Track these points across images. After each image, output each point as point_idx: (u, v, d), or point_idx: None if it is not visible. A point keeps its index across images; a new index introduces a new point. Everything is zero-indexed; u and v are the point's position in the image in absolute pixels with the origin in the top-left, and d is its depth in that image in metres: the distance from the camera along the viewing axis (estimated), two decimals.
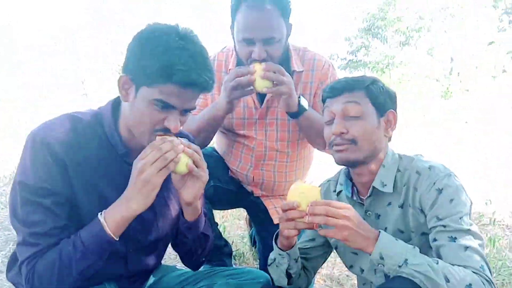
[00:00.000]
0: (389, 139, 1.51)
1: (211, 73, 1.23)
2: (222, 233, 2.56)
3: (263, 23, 1.82)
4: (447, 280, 1.18)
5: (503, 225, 3.51)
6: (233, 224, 3.30)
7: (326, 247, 1.70)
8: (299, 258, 1.57)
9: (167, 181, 1.30)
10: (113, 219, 1.22)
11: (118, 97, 1.34)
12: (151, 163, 1.18)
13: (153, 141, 1.22)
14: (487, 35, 17.74)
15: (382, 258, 1.26)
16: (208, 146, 2.16)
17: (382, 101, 1.46)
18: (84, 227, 1.23)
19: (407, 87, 15.21)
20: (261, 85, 1.78)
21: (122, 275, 1.40)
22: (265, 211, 2.21)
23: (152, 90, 1.20)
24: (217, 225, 2.40)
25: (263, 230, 2.29)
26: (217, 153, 2.29)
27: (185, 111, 1.28)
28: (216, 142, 2.34)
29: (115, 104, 1.35)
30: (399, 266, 1.24)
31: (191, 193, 1.32)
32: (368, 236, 1.28)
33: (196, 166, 1.27)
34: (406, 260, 1.23)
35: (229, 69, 2.07)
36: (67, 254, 1.20)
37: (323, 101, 1.55)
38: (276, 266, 1.56)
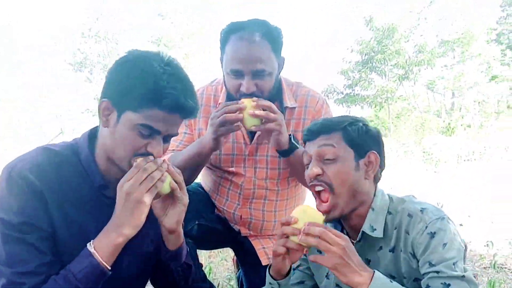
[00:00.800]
0: (378, 180, 1.52)
1: (196, 99, 1.28)
2: (208, 275, 2.53)
3: (252, 54, 1.84)
4: None
5: (505, 268, 3.48)
6: (219, 265, 3.26)
7: None
8: None
9: None
10: (104, 248, 1.22)
11: (94, 128, 1.37)
12: (139, 183, 1.21)
13: (137, 162, 1.24)
14: (490, 70, 18.09)
15: None
16: (194, 182, 2.14)
17: (361, 142, 1.47)
18: (73, 260, 1.23)
19: (407, 121, 15.34)
20: (250, 122, 1.78)
21: None
22: (253, 251, 2.18)
23: (137, 115, 1.23)
24: (202, 266, 2.37)
25: (251, 272, 2.25)
26: (203, 189, 2.28)
27: (167, 138, 1.30)
28: (202, 179, 2.33)
29: (91, 136, 1.37)
30: None
31: (174, 219, 1.34)
32: (358, 271, 1.28)
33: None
34: None
35: (219, 103, 2.09)
36: None
37: (304, 143, 1.56)
38: None
